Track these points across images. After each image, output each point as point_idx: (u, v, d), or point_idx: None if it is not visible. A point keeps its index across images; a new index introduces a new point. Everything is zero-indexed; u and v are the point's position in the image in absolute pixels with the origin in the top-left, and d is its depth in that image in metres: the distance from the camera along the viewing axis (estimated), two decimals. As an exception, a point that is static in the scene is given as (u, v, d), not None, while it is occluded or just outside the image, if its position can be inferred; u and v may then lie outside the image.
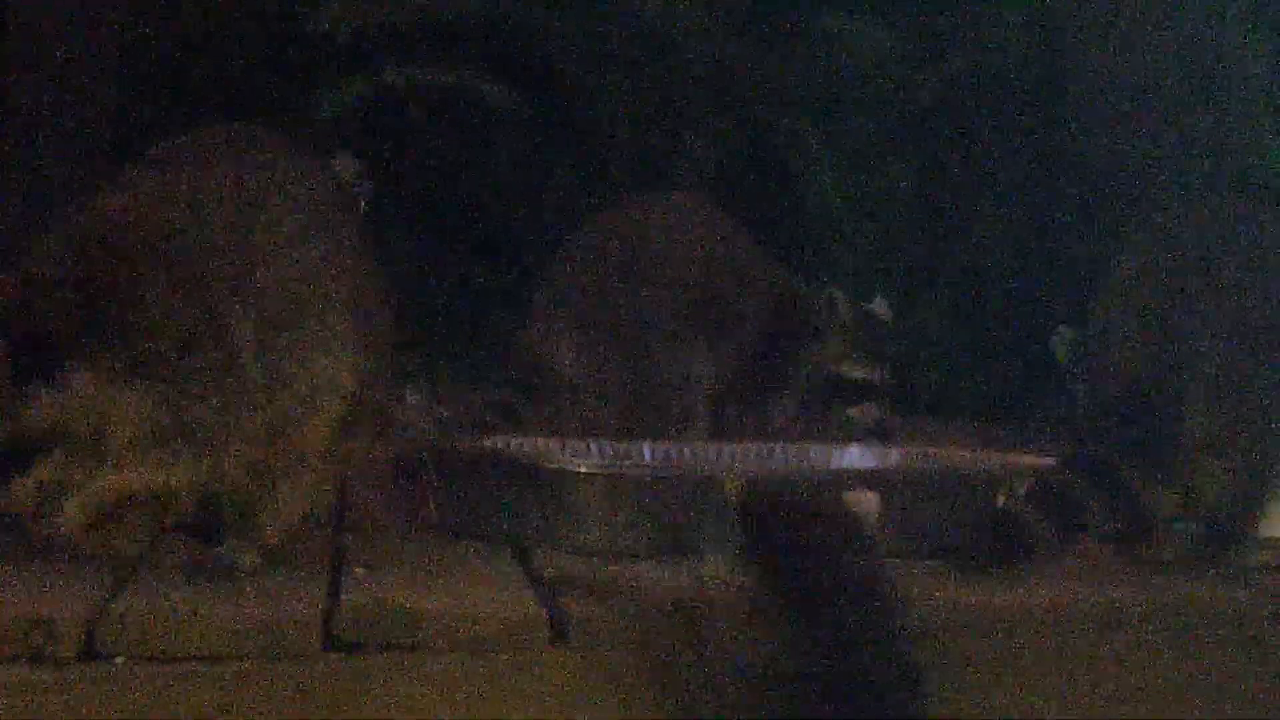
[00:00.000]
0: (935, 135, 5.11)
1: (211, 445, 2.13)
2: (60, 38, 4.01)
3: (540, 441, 2.89)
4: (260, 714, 1.97)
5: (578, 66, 4.98)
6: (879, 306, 3.40)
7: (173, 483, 2.13)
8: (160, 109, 4.45)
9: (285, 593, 2.12)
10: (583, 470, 2.58)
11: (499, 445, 2.82)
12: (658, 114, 4.97)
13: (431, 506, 2.61)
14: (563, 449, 2.88)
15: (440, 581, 2.22)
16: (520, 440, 2.88)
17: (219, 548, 2.23)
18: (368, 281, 2.31)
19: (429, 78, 4.83)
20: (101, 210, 2.17)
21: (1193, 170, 4.59)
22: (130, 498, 2.13)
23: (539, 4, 4.95)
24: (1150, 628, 2.26)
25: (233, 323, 2.14)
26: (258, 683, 1.97)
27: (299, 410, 2.20)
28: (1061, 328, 2.91)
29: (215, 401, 2.12)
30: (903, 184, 5.06)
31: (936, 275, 5.04)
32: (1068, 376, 2.86)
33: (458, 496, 2.59)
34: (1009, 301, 4.74)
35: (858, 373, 3.33)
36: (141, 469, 2.11)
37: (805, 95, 5.02)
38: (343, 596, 2.10)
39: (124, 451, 2.09)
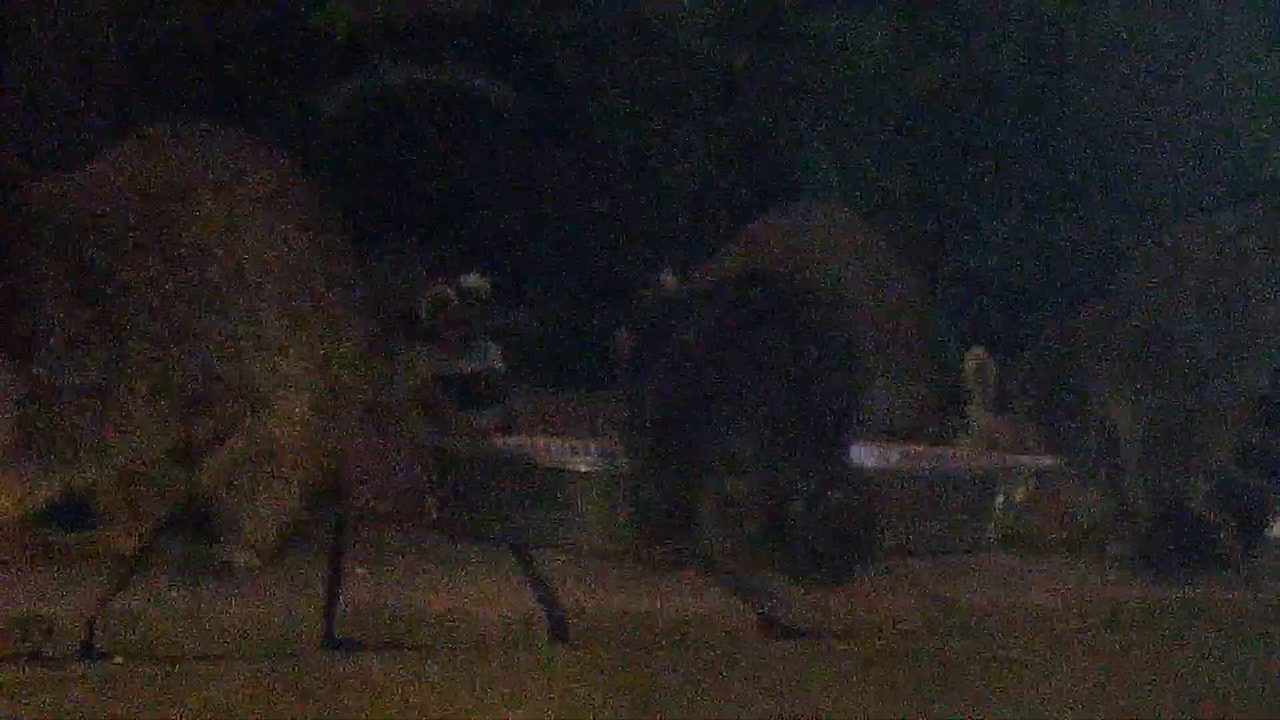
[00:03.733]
0: (934, 135, 5.11)
1: (89, 452, 2.09)
2: (59, 37, 4.01)
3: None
4: (260, 714, 1.96)
5: (575, 65, 4.98)
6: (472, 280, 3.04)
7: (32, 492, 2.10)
8: (158, 109, 4.44)
9: (285, 593, 2.12)
10: None
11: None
12: (655, 112, 4.97)
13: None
14: None
15: (440, 581, 2.22)
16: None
17: (213, 547, 2.23)
18: (335, 272, 2.27)
19: (429, 78, 4.83)
20: (18, 197, 2.12)
21: (1202, 171, 4.58)
22: None
23: (539, 4, 4.94)
24: (1150, 628, 2.26)
25: (147, 321, 2.10)
26: (257, 683, 1.97)
27: (252, 409, 2.18)
28: (976, 349, 2.85)
29: (101, 406, 2.08)
30: (901, 184, 5.06)
31: (936, 274, 5.04)
32: (973, 395, 2.81)
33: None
34: (1009, 301, 4.74)
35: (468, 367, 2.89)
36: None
37: (804, 93, 5.02)
38: (343, 596, 2.10)
39: None
